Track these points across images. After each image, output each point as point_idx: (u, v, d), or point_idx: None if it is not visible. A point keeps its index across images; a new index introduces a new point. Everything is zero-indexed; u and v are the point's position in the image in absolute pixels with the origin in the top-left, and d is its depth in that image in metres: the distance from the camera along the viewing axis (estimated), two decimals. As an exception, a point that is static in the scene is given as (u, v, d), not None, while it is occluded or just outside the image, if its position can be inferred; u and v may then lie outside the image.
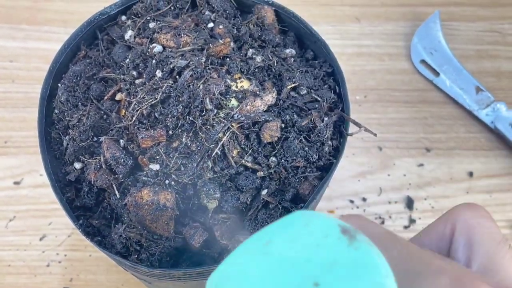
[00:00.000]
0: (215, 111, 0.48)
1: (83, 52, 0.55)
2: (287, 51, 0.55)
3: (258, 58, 0.52)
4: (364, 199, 0.75)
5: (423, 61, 0.84)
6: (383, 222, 0.73)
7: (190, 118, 0.47)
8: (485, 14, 0.89)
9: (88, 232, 0.49)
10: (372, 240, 0.28)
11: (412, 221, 0.74)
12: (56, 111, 0.52)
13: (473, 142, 0.79)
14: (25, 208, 0.73)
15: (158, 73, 0.49)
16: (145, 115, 0.48)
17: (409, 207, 0.74)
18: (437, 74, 0.83)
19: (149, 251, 0.47)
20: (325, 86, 0.53)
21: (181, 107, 0.47)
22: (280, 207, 0.49)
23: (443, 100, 0.82)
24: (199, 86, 0.48)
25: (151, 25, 0.54)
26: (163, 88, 0.48)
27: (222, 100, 0.48)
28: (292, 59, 0.55)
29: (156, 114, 0.47)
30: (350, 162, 0.77)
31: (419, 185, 0.76)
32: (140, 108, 0.48)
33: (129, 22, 0.55)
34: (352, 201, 0.75)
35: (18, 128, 0.78)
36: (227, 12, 0.56)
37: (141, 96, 0.48)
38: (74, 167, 0.50)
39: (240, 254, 0.30)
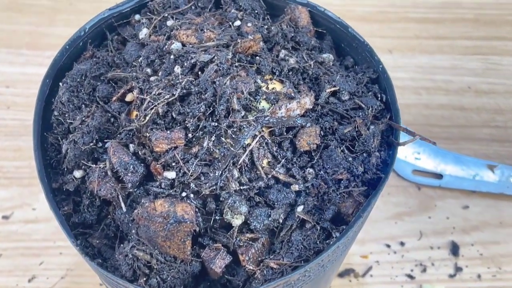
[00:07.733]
0: (243, 112, 0.40)
1: (89, 52, 0.48)
2: (324, 55, 0.48)
3: (292, 60, 0.45)
4: (402, 244, 0.66)
5: (416, 171, 0.73)
6: (424, 270, 0.64)
7: (214, 119, 0.39)
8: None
9: (87, 253, 0.40)
10: None
11: (458, 269, 0.65)
12: (55, 113, 0.45)
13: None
14: (14, 246, 0.65)
15: (177, 69, 0.42)
16: (160, 114, 0.40)
17: (454, 254, 0.66)
18: (439, 176, 0.72)
19: (160, 275, 0.39)
20: (369, 93, 0.46)
21: (203, 106, 0.39)
22: (319, 228, 0.41)
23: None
24: (226, 83, 0.40)
25: (169, 23, 0.48)
26: (183, 84, 0.40)
27: (252, 101, 0.41)
28: (331, 63, 0.47)
29: (173, 114, 0.40)
30: (385, 202, 0.69)
31: (464, 230, 0.68)
32: (155, 106, 0.40)
33: (144, 20, 0.49)
34: (388, 246, 0.66)
35: (12, 158, 0.71)
36: (256, 11, 0.49)
37: (157, 92, 0.41)
38: (74, 176, 0.42)
39: None
